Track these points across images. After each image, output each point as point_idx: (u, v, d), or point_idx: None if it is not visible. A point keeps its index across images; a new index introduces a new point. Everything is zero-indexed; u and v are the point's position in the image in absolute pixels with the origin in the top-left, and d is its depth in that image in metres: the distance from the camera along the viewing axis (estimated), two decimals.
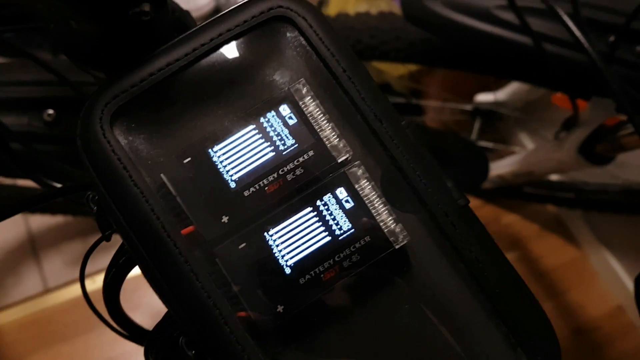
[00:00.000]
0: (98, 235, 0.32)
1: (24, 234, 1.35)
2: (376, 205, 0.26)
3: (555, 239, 1.42)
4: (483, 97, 1.16)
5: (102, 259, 0.39)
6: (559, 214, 1.43)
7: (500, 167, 1.01)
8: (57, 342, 1.33)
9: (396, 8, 1.01)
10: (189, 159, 0.27)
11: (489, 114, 1.18)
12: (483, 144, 1.21)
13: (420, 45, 0.80)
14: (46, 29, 0.37)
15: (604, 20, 0.65)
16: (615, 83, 0.52)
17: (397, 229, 0.26)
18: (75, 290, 1.38)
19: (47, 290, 1.38)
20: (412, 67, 1.16)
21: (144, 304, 1.17)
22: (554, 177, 1.23)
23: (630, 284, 1.30)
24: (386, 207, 0.26)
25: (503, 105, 1.13)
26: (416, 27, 0.77)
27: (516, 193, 1.20)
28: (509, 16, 0.68)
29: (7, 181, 1.02)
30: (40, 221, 1.35)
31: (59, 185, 0.44)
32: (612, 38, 0.63)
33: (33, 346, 1.32)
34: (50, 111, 0.58)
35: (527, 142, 1.37)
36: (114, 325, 0.29)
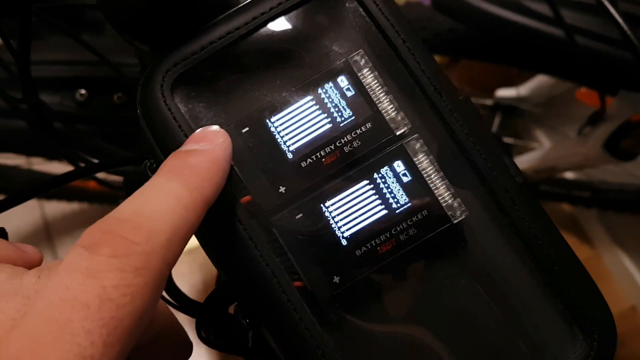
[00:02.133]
0: None
1: (39, 220, 1.35)
2: (434, 179, 0.26)
3: (570, 238, 1.40)
4: (504, 92, 1.16)
5: None
6: (574, 213, 1.43)
7: (521, 163, 1.01)
8: None
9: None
10: (247, 128, 0.26)
11: (509, 109, 1.17)
12: (504, 139, 1.21)
13: (446, 36, 0.80)
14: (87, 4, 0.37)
15: (636, 14, 0.65)
16: None
17: (455, 204, 0.26)
18: None
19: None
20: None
21: (186, 277, 1.18)
22: (571, 176, 1.23)
23: None
24: (444, 181, 0.26)
25: (524, 100, 1.12)
26: (444, 15, 0.76)
27: (532, 190, 1.19)
28: (540, 7, 0.67)
29: (25, 165, 1.02)
30: (55, 208, 1.35)
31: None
32: None
33: None
34: (82, 91, 0.58)
35: (544, 139, 1.37)
36: (164, 294, 0.29)
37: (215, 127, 0.25)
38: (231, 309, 0.28)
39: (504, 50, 0.78)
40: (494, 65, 0.83)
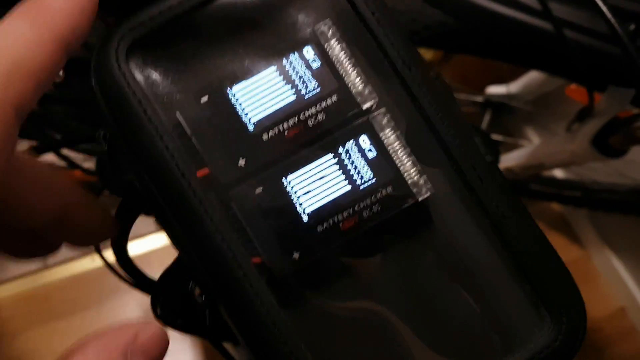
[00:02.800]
0: None
1: None
2: (400, 155, 0.25)
3: (560, 238, 1.41)
4: (495, 90, 1.15)
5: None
6: (564, 212, 1.43)
7: (509, 160, 1.00)
8: (53, 319, 1.33)
9: None
10: (207, 98, 0.25)
11: (499, 106, 1.17)
12: (492, 136, 1.20)
13: (436, 29, 0.79)
14: None
15: (626, 8, 0.64)
16: None
17: (421, 181, 0.25)
18: (74, 267, 1.38)
19: (46, 267, 1.37)
20: (426, 56, 1.15)
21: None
22: (561, 175, 1.22)
23: (633, 286, 1.29)
24: (410, 157, 0.25)
25: (515, 98, 1.12)
26: (433, 8, 0.75)
27: (522, 190, 1.19)
28: (530, 0, 0.67)
29: None
30: None
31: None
32: (632, 27, 0.62)
33: (29, 322, 1.32)
34: (60, 72, 0.56)
35: (534, 137, 1.36)
36: (120, 272, 0.28)
37: None
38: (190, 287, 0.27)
39: (493, 44, 0.77)
40: (485, 62, 0.82)
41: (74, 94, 0.57)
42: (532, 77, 1.07)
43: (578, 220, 1.39)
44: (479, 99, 1.19)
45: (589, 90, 0.72)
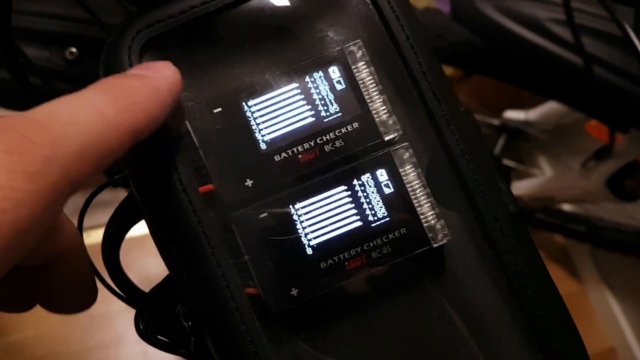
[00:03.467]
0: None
1: None
2: (419, 195, 0.23)
3: (558, 270, 1.39)
4: (513, 114, 1.13)
5: (99, 215, 0.36)
6: (566, 245, 1.41)
7: (519, 188, 0.98)
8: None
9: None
10: (220, 109, 0.23)
11: (515, 132, 1.15)
12: (504, 162, 1.18)
13: (462, 47, 0.77)
14: None
15: None
16: None
17: (438, 226, 0.23)
18: None
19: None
20: (447, 72, 1.13)
21: (137, 265, 1.15)
22: (568, 208, 1.21)
23: (626, 327, 1.27)
24: (429, 199, 0.23)
25: (532, 125, 1.09)
26: (462, 26, 0.74)
27: (527, 218, 1.17)
28: (561, 31, 0.65)
29: None
30: None
31: None
32: None
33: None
34: (73, 49, 0.55)
35: (547, 167, 1.34)
36: (111, 283, 0.27)
37: (166, 62, 0.22)
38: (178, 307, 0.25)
39: (519, 70, 0.76)
40: (505, 85, 0.80)
41: (85, 74, 0.55)
42: (552, 106, 1.05)
43: (579, 255, 1.37)
44: (496, 121, 1.17)
45: (611, 130, 0.70)
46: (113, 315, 1.19)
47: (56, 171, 0.16)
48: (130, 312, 0.25)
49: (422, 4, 0.84)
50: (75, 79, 0.55)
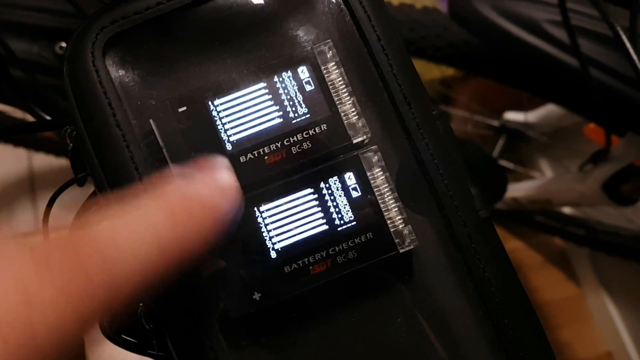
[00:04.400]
0: None
1: (25, 170, 1.33)
2: (387, 199, 0.23)
3: (557, 273, 1.38)
4: (512, 116, 1.12)
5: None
6: (565, 248, 1.40)
7: (517, 190, 0.98)
8: None
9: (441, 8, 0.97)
10: (185, 108, 0.23)
11: (514, 133, 1.14)
12: (503, 163, 1.18)
13: (460, 48, 0.77)
14: None
15: None
16: None
17: (406, 231, 0.23)
18: None
19: (38, 231, 1.35)
20: (446, 72, 1.12)
21: None
22: (567, 211, 1.20)
23: (624, 332, 1.27)
24: (397, 203, 0.23)
25: (531, 127, 1.09)
26: (460, 27, 0.73)
27: (526, 220, 1.17)
28: (559, 33, 0.64)
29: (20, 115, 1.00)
30: (43, 160, 1.32)
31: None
32: None
33: None
34: (63, 44, 0.55)
35: (546, 169, 1.33)
36: None
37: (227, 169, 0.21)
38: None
39: (516, 72, 0.75)
40: (505, 87, 0.80)
41: None
42: (551, 109, 1.04)
43: (578, 258, 1.36)
44: (495, 123, 1.16)
45: (607, 133, 0.69)
46: None
47: (99, 298, 0.16)
48: None
49: (420, 4, 0.83)
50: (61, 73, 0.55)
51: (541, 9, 0.66)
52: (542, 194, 0.93)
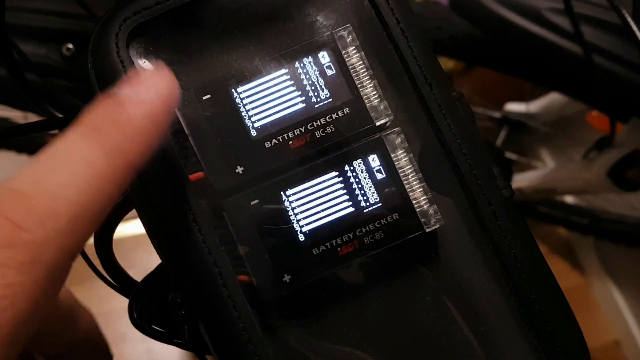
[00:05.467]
0: None
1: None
2: (411, 180, 0.23)
3: (562, 263, 1.39)
4: (514, 107, 1.13)
5: None
6: (570, 238, 1.40)
7: (521, 181, 0.98)
8: None
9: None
10: (209, 95, 0.23)
11: (517, 124, 1.14)
12: (507, 154, 1.18)
13: (461, 39, 0.77)
14: None
15: None
16: None
17: (431, 211, 0.23)
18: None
19: None
20: (446, 65, 1.12)
21: (139, 264, 1.15)
22: (570, 200, 1.20)
23: (631, 320, 1.27)
24: (422, 184, 0.23)
25: (533, 117, 1.09)
26: (461, 19, 0.73)
27: (530, 211, 1.17)
28: (560, 20, 0.64)
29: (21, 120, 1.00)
30: None
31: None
32: None
33: None
34: (70, 45, 0.55)
35: (549, 159, 1.34)
36: (103, 272, 0.26)
37: (163, 70, 0.20)
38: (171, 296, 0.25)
39: (519, 61, 0.75)
40: (506, 78, 0.80)
41: (82, 70, 0.55)
42: (553, 98, 1.05)
43: (583, 248, 1.36)
44: (497, 114, 1.16)
45: (611, 120, 0.70)
46: (116, 313, 1.19)
47: (51, 252, 0.16)
48: None
49: None
50: (73, 74, 0.55)
51: None
52: (547, 184, 0.93)
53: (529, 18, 0.66)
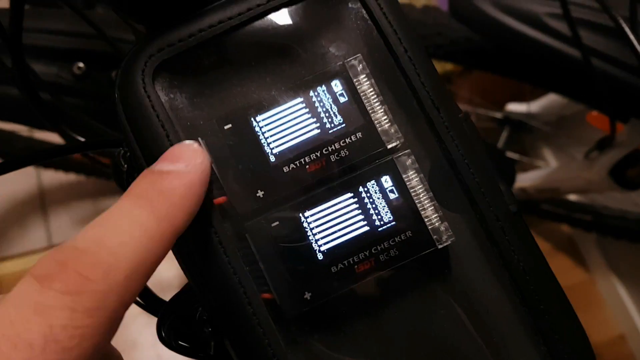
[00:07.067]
0: (109, 199, 0.30)
1: (35, 187, 1.34)
2: (422, 199, 0.25)
3: (566, 260, 1.40)
4: (515, 107, 1.14)
5: None
6: (573, 235, 1.41)
7: (525, 180, 0.99)
8: None
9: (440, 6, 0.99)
10: (230, 125, 0.25)
11: (518, 124, 1.16)
12: (509, 154, 1.19)
13: (461, 44, 0.78)
14: None
15: None
16: None
17: (442, 228, 0.25)
18: None
19: (51, 246, 1.37)
20: (445, 67, 1.13)
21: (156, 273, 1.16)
22: (573, 198, 1.21)
23: (635, 314, 1.28)
24: (433, 202, 0.25)
25: (534, 117, 1.10)
26: (461, 24, 0.75)
27: (533, 209, 1.18)
28: (559, 25, 0.66)
29: (25, 132, 1.01)
30: (52, 177, 1.34)
31: (82, 140, 0.42)
32: None
33: None
34: (80, 64, 0.56)
35: (551, 158, 1.35)
36: None
37: (195, 145, 0.23)
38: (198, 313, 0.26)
39: (519, 65, 0.77)
40: (506, 79, 0.81)
41: (93, 88, 0.56)
42: (553, 98, 1.06)
43: (586, 244, 1.37)
44: (498, 115, 1.18)
45: (611, 120, 0.71)
46: (126, 320, 1.21)
47: (112, 301, 0.18)
48: (143, 316, 0.27)
49: (421, 2, 0.85)
50: (84, 92, 0.57)
51: (540, 3, 0.68)
52: (549, 183, 0.94)
53: (528, 23, 0.67)
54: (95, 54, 0.56)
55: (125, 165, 0.25)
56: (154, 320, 0.27)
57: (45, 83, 0.55)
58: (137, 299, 0.28)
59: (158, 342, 0.26)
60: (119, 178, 0.27)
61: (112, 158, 0.44)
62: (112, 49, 0.48)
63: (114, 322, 0.18)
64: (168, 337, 0.26)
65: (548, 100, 1.07)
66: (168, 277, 1.13)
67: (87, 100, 0.56)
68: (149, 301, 0.28)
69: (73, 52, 0.56)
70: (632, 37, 0.48)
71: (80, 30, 0.57)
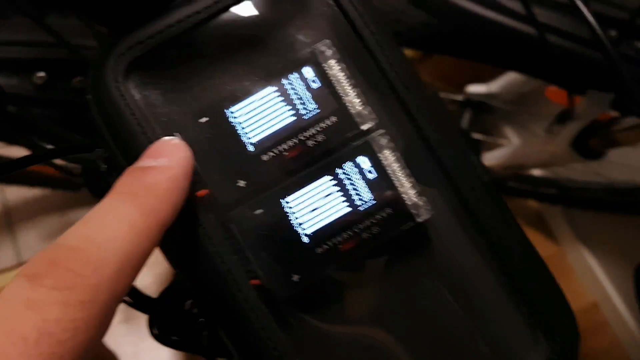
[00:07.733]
0: (77, 211, 0.30)
1: (0, 205, 1.31)
2: (399, 176, 0.25)
3: (535, 235, 1.43)
4: (475, 88, 1.16)
5: None
6: (540, 209, 1.44)
7: (490, 159, 1.01)
8: None
9: None
10: (206, 118, 0.25)
11: (479, 105, 1.18)
12: (473, 135, 1.21)
13: (420, 30, 0.79)
14: None
15: (608, 15, 0.65)
16: (630, 79, 0.52)
17: (421, 202, 0.25)
18: None
19: (21, 264, 1.34)
20: (407, 54, 1.14)
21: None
22: (538, 173, 1.24)
23: (606, 282, 1.32)
24: (410, 179, 0.25)
25: (494, 97, 1.12)
26: (417, 9, 0.76)
27: (500, 187, 1.20)
28: (513, 4, 0.67)
29: None
30: (16, 193, 1.31)
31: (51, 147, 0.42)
32: (614, 33, 0.64)
33: None
34: (41, 74, 0.55)
35: (513, 136, 1.38)
36: None
37: (176, 140, 0.24)
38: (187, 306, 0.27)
39: (476, 46, 0.78)
40: (465, 61, 0.82)
41: (55, 97, 0.56)
42: (511, 77, 1.08)
43: (553, 217, 1.41)
44: (459, 97, 1.20)
45: (569, 94, 0.73)
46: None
47: (104, 294, 0.18)
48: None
49: None
50: (46, 101, 0.56)
51: None
52: (514, 160, 0.96)
53: (484, 4, 0.69)
54: (56, 62, 0.56)
55: (105, 166, 0.25)
56: (134, 329, 0.27)
57: (8, 95, 0.54)
58: (126, 297, 0.28)
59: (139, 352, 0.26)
60: (91, 183, 0.27)
61: (82, 164, 0.44)
62: (73, 55, 0.48)
63: (107, 315, 0.19)
64: (161, 334, 0.27)
65: (507, 80, 1.09)
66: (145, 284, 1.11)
67: (51, 109, 0.56)
68: (138, 299, 0.28)
69: (33, 62, 0.55)
70: (584, 10, 0.50)
71: (39, 39, 0.56)
